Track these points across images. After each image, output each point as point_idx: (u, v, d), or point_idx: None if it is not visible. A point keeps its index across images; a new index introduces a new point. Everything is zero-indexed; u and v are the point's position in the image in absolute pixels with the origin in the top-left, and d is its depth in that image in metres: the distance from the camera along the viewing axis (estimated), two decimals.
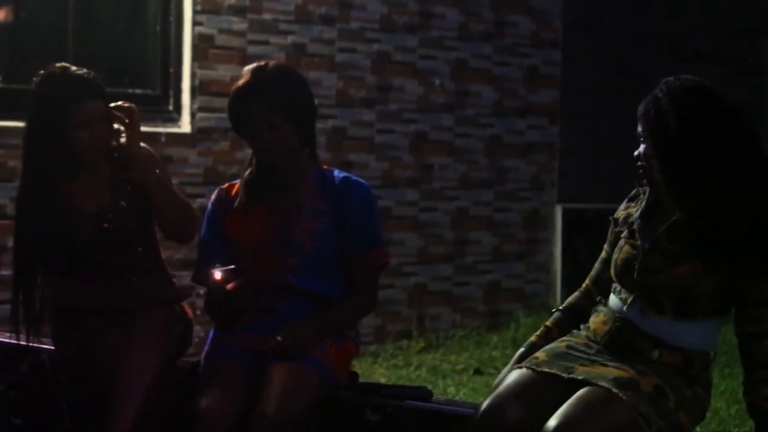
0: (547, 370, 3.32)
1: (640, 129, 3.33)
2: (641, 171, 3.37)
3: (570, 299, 3.65)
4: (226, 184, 3.99)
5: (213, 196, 3.97)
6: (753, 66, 9.98)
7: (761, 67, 10.03)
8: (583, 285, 3.64)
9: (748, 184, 3.23)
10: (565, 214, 9.08)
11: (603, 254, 3.58)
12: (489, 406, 3.28)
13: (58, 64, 4.00)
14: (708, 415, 3.41)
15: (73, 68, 3.98)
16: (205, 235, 3.94)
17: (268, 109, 3.76)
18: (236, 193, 3.91)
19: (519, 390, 3.29)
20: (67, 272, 4.00)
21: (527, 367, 3.36)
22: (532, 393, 3.29)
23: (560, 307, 3.65)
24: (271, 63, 3.88)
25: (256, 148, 3.82)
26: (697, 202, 3.24)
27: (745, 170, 3.23)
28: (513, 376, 3.36)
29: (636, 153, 3.37)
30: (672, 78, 3.32)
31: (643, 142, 3.33)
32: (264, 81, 3.78)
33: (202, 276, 3.91)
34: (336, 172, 3.88)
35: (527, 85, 8.94)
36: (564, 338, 3.47)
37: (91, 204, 4.00)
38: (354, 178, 3.88)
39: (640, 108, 3.32)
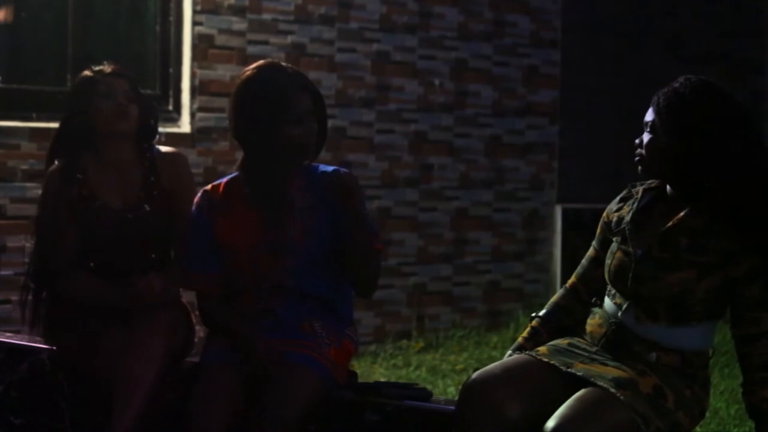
0: (546, 360, 3.32)
1: (651, 118, 3.32)
2: (638, 159, 3.36)
3: (554, 299, 3.64)
4: (210, 186, 3.87)
5: (198, 199, 3.86)
6: (753, 66, 9.97)
7: (761, 67, 10.03)
8: (569, 283, 3.62)
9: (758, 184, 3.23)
10: (565, 214, 9.07)
11: (591, 252, 3.57)
12: (473, 380, 3.27)
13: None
14: (708, 414, 3.42)
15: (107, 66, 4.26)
16: (191, 240, 3.85)
17: (311, 99, 3.78)
18: (223, 193, 3.83)
19: (509, 373, 3.28)
20: (77, 265, 4.00)
21: (527, 354, 3.37)
22: (523, 376, 3.28)
23: (540, 314, 3.63)
24: (283, 63, 3.87)
25: (294, 136, 3.71)
26: (709, 195, 3.24)
27: (757, 170, 3.24)
28: (509, 359, 3.38)
29: (637, 141, 3.35)
30: (690, 76, 3.32)
31: (650, 132, 3.32)
32: (302, 74, 3.81)
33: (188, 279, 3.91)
34: (320, 167, 3.83)
35: (527, 85, 8.94)
36: (566, 338, 3.47)
37: (116, 200, 4.00)
38: (341, 170, 3.82)
39: (660, 99, 3.29)
